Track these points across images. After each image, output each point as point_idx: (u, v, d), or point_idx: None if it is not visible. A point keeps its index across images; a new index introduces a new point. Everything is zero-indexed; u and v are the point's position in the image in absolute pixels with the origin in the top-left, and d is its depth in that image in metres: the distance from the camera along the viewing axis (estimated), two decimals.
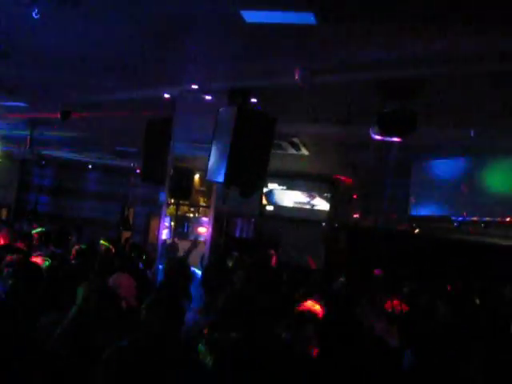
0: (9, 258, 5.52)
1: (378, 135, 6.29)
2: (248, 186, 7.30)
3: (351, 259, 14.39)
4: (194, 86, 6.70)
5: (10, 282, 4.35)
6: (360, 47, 5.14)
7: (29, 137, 10.39)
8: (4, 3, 4.81)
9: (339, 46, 5.19)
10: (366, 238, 14.72)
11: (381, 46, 5.04)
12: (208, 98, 6.95)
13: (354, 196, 14.55)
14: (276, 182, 14.65)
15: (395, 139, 6.38)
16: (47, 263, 6.17)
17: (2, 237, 7.89)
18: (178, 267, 6.34)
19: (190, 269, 6.66)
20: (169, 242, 11.66)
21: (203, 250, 10.41)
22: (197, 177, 14.61)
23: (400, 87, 5.98)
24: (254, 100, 6.67)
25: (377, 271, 10.04)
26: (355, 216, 14.67)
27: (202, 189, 15.88)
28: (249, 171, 6.50)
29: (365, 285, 8.22)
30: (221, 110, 6.41)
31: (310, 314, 4.24)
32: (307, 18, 4.53)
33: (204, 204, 16.07)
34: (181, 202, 15.27)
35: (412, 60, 5.25)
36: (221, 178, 6.29)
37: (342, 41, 5.02)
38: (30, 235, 8.42)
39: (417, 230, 13.93)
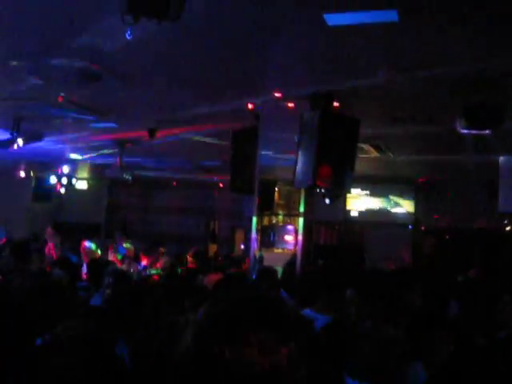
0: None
1: (466, 129, 6.19)
2: (335, 191, 7.35)
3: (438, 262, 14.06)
4: (277, 94, 6.79)
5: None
6: (444, 42, 5.09)
7: (119, 157, 10.73)
8: (99, 27, 5.05)
9: (422, 42, 5.16)
10: (454, 240, 14.36)
11: (465, 39, 4.99)
12: (291, 105, 7.03)
13: (440, 197, 14.25)
14: (359, 187, 14.54)
15: (484, 132, 6.26)
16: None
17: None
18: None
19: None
20: (257, 253, 11.87)
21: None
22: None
23: (485, 80, 5.87)
24: (336, 104, 6.70)
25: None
26: (442, 217, 14.36)
27: (280, 202, 15.89)
28: (335, 175, 6.53)
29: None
30: (304, 114, 6.48)
31: None
32: (389, 16, 4.56)
33: (282, 213, 16.12)
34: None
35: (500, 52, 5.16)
36: (310, 182, 6.36)
37: (425, 36, 5.00)
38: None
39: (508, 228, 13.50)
